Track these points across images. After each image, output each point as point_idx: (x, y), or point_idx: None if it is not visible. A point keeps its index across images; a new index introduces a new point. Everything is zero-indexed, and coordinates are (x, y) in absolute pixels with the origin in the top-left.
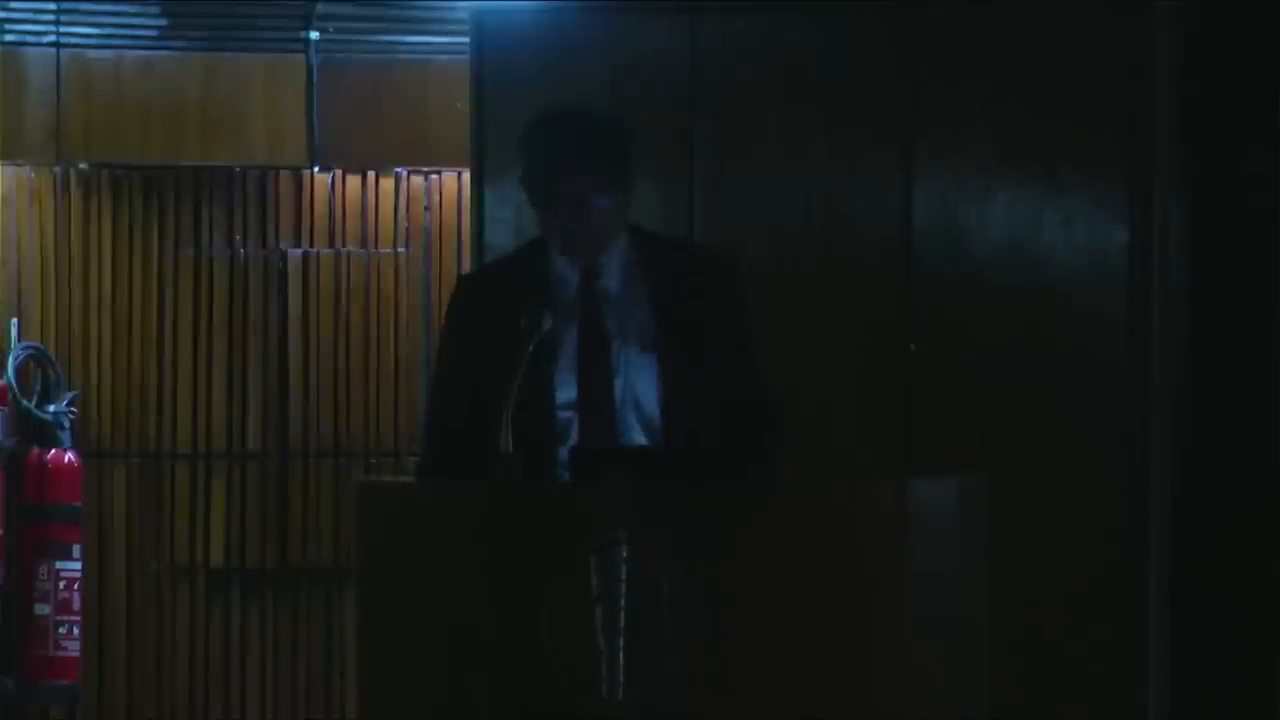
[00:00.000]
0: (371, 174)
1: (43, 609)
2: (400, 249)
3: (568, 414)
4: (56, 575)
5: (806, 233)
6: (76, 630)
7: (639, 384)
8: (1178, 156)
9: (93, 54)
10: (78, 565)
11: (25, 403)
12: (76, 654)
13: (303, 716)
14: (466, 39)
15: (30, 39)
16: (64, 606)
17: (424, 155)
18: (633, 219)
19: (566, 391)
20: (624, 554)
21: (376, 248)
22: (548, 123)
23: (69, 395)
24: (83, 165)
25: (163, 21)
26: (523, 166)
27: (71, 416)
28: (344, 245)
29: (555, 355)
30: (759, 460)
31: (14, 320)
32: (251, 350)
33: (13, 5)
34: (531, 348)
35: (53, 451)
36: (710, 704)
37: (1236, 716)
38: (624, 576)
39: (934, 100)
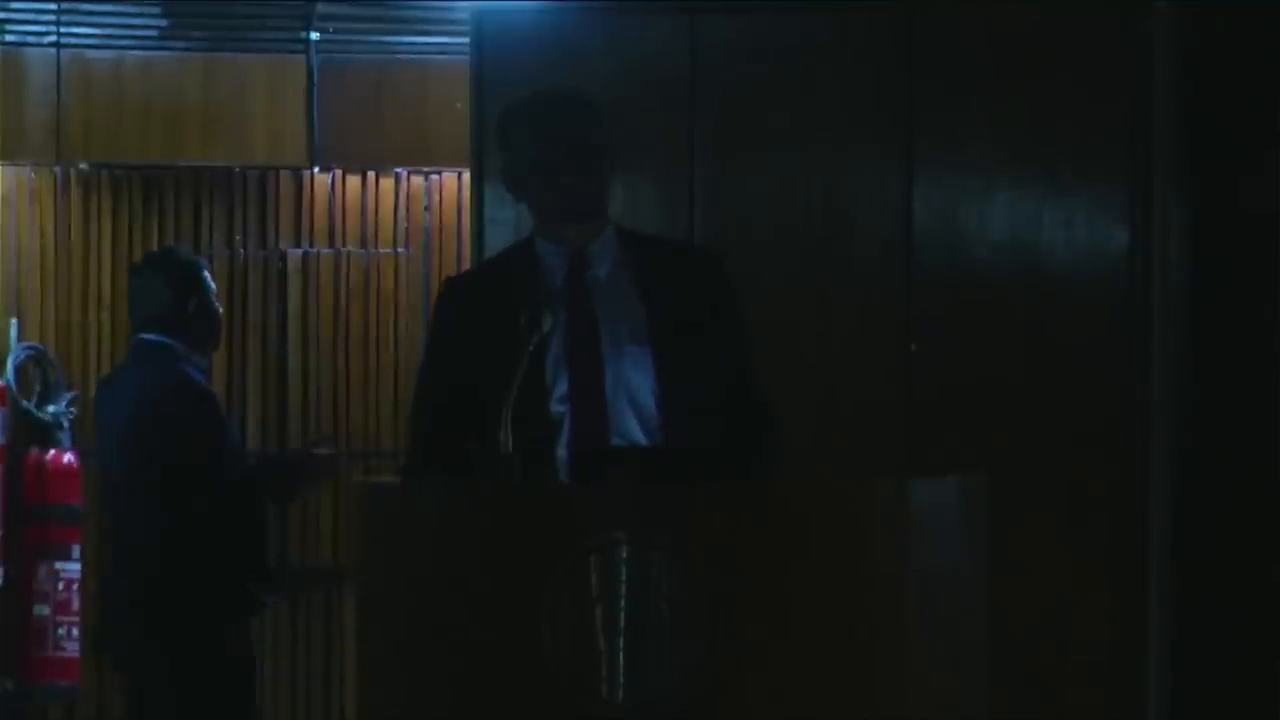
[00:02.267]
0: (371, 174)
1: (42, 609)
2: (400, 249)
3: (560, 406)
4: (56, 576)
5: (806, 233)
6: (76, 631)
7: (632, 375)
8: (1178, 156)
9: (93, 54)
10: (77, 566)
11: (25, 403)
12: (76, 654)
13: (302, 717)
14: (466, 39)
15: (30, 39)
16: (63, 607)
17: (424, 155)
18: (632, 219)
19: (559, 383)
20: (624, 554)
21: (376, 248)
22: (526, 107)
23: (68, 395)
24: (83, 165)
25: (163, 22)
26: (504, 159)
27: (71, 417)
28: (344, 245)
29: (547, 347)
30: (754, 460)
31: (13, 320)
32: (251, 350)
33: (13, 5)
34: (532, 347)
35: (52, 452)
36: (710, 704)
37: (1236, 716)
38: (624, 576)
39: (934, 100)
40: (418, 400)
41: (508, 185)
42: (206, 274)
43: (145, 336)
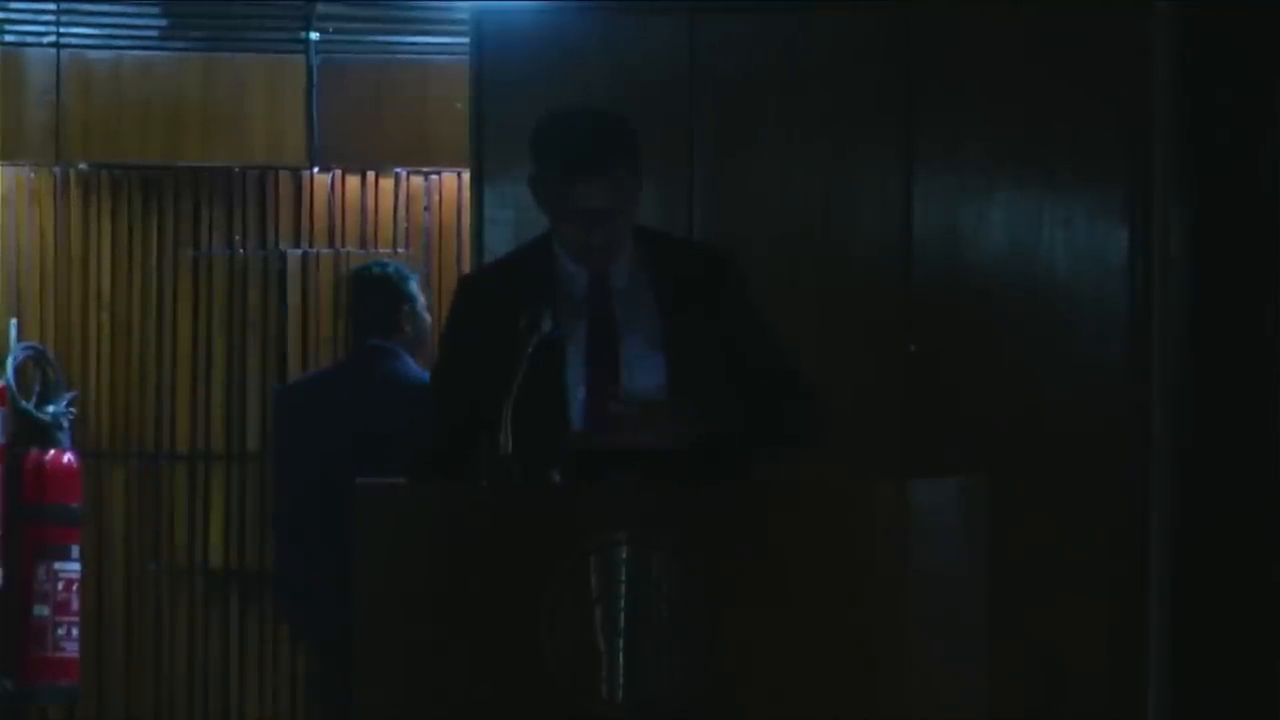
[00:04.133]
0: (371, 174)
1: (41, 610)
2: (400, 249)
3: (576, 410)
4: (55, 576)
5: (806, 233)
6: (75, 631)
7: (650, 381)
8: (1178, 156)
9: (93, 54)
10: (76, 566)
11: (24, 403)
12: (75, 655)
13: (301, 718)
14: (466, 39)
15: (30, 39)
16: (63, 607)
17: (424, 155)
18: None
19: (575, 390)
20: (624, 554)
21: (376, 248)
22: (565, 133)
23: (68, 396)
24: (82, 166)
25: (163, 22)
26: (535, 172)
27: (70, 417)
28: (344, 245)
29: (563, 354)
30: (809, 429)
31: (13, 321)
32: (250, 350)
33: (13, 5)
34: (531, 349)
35: (51, 452)
36: (710, 704)
37: (1236, 716)
38: (624, 577)
39: (933, 100)
40: (429, 399)
41: (534, 194)
42: (415, 285)
43: (369, 341)
